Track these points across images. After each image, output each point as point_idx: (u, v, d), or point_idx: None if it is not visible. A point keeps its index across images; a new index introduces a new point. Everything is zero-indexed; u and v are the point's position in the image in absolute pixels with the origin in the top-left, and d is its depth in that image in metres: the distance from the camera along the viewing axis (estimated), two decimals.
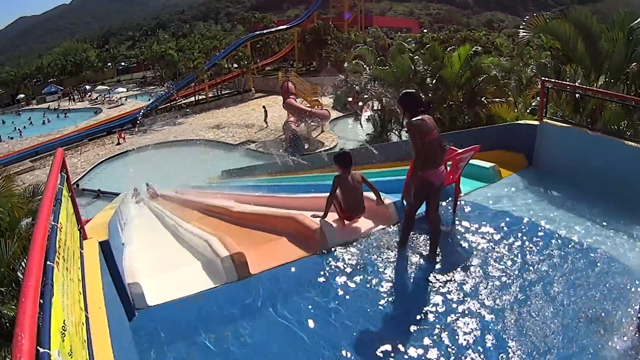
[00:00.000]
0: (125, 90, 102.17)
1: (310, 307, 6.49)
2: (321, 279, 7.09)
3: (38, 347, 2.53)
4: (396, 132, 30.06)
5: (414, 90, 7.78)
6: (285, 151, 43.02)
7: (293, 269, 7.46)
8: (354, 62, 33.70)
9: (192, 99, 77.58)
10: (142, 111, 70.23)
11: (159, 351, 5.77)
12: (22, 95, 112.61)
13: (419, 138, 7.01)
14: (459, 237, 8.25)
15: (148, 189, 37.58)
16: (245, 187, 20.36)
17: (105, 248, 5.96)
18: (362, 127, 35.42)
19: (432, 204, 7.56)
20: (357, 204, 8.71)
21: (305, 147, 46.57)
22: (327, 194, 8.55)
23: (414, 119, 7.11)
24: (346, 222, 8.83)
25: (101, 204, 32.50)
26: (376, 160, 16.11)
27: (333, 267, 7.39)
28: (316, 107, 52.79)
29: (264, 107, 61.43)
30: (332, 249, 7.92)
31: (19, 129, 76.54)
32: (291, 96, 52.83)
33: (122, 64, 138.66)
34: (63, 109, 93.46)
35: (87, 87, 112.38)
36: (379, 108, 28.79)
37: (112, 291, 5.85)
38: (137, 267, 7.52)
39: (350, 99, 41.25)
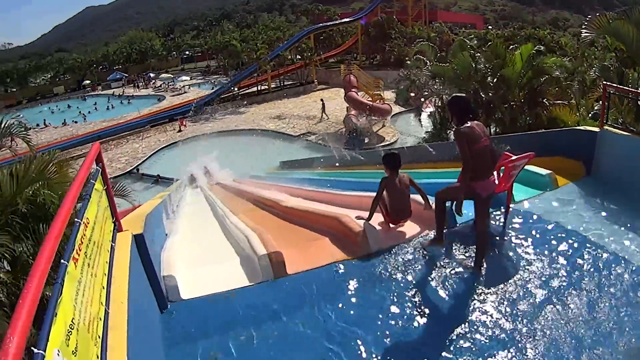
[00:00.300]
0: (188, 78, 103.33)
1: (344, 313, 6.29)
2: (359, 285, 6.89)
3: (32, 348, 2.52)
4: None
5: (464, 95, 7.58)
6: (345, 145, 43.02)
7: (332, 272, 7.27)
8: (414, 57, 33.26)
9: (255, 89, 77.38)
10: (202, 100, 71.17)
11: (187, 346, 5.78)
12: (87, 81, 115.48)
13: (466, 146, 6.70)
14: (507, 249, 7.76)
15: (205, 173, 38.10)
16: (300, 180, 19.94)
17: (140, 241, 5.99)
18: (421, 124, 34.78)
19: (480, 215, 7.24)
20: (403, 208, 8.47)
21: (365, 142, 46.01)
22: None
23: (462, 126, 6.81)
24: (391, 225, 8.61)
25: (158, 190, 32.99)
26: (433, 159, 15.77)
27: (372, 272, 7.18)
28: (378, 101, 52.02)
29: (321, 100, 60.89)
30: (375, 254, 7.69)
31: (83, 114, 78.88)
32: (353, 89, 52.30)
33: (187, 53, 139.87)
34: (127, 96, 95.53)
35: (152, 74, 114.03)
36: (439, 105, 28.25)
37: (144, 284, 5.95)
38: (175, 259, 7.54)
39: (412, 95, 40.67)
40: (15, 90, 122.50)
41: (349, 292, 6.76)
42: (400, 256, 7.60)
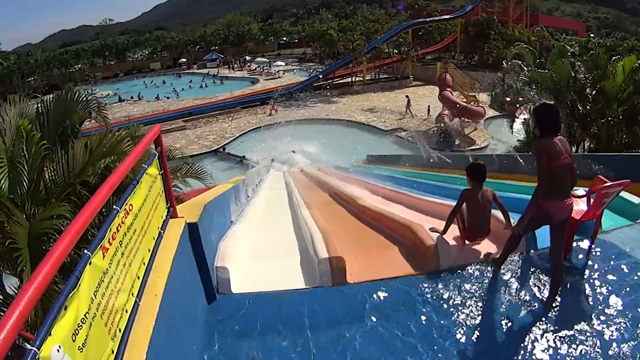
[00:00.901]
0: (284, 64, 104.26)
1: (397, 333, 5.72)
2: (421, 305, 6.23)
3: (25, 344, 2.38)
4: None
5: (554, 105, 6.76)
6: (435, 144, 42.24)
7: (394, 286, 6.59)
8: (511, 61, 31.97)
9: (349, 79, 77.04)
10: (294, 87, 71.38)
11: (226, 343, 5.53)
12: (183, 60, 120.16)
13: (545, 161, 6.04)
14: (587, 284, 6.67)
15: (291, 157, 38.18)
16: (383, 177, 19.49)
17: (193, 229, 5.85)
18: (512, 131, 33.43)
19: (555, 242, 6.40)
20: (482, 224, 7.67)
21: (456, 143, 44.96)
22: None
23: (543, 138, 6.18)
24: (467, 242, 7.88)
25: (241, 170, 33.09)
26: (522, 171, 14.81)
27: (438, 293, 6.49)
28: (472, 103, 50.79)
29: (406, 96, 59.91)
30: (444, 271, 7.00)
31: (176, 90, 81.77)
32: (447, 89, 51.12)
33: (284, 39, 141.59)
34: (221, 76, 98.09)
35: (248, 57, 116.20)
36: (526, 117, 27.10)
37: (193, 274, 5.84)
38: (234, 250, 7.34)
39: (508, 99, 39.62)
40: (113, 63, 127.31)
41: (408, 312, 6.15)
42: (470, 278, 6.92)
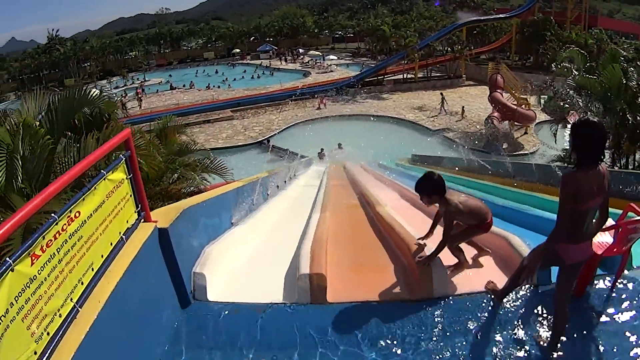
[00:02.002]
0: (336, 58, 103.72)
1: None
2: (399, 337, 5.51)
3: None
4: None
5: (599, 123, 5.06)
6: (483, 147, 41.54)
7: (378, 311, 5.93)
8: (561, 63, 30.48)
9: (401, 76, 76.42)
10: (345, 82, 71.58)
11: (191, 351, 5.36)
12: (237, 50, 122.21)
13: (569, 202, 4.86)
14: (600, 329, 5.59)
15: (334, 151, 38.12)
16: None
17: (163, 234, 5.75)
18: (555, 138, 31.93)
19: (561, 283, 5.31)
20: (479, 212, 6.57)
21: (504, 147, 43.45)
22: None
23: (577, 170, 4.88)
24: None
25: (283, 163, 32.94)
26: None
27: (423, 323, 5.69)
28: (523, 106, 49.66)
29: (441, 93, 59.80)
30: (437, 299, 6.09)
31: (225, 81, 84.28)
32: (498, 90, 50.42)
33: (339, 32, 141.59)
34: (273, 67, 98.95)
35: (301, 50, 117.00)
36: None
37: (162, 279, 5.78)
38: (219, 255, 7.13)
39: (561, 104, 38.39)
40: (168, 51, 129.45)
41: (384, 341, 5.50)
42: (463, 310, 5.95)
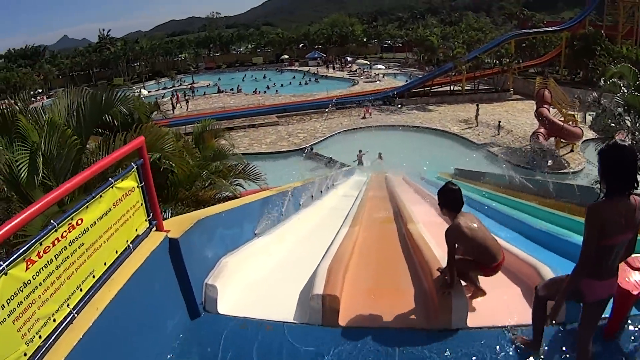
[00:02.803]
0: (384, 67, 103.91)
1: None
2: None
3: None
4: None
5: (629, 147, 4.47)
6: (527, 164, 41.17)
7: (390, 338, 5.60)
8: (610, 79, 29.21)
9: (448, 88, 75.95)
10: (392, 91, 71.51)
11: None
12: (285, 56, 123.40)
13: (594, 235, 4.47)
14: None
15: (376, 160, 38.16)
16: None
17: (174, 244, 5.73)
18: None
19: (584, 322, 4.91)
20: (490, 247, 5.97)
21: (548, 164, 42.22)
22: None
23: (606, 201, 4.51)
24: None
25: (326, 171, 32.87)
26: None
27: (437, 355, 5.31)
28: (570, 122, 48.80)
29: (477, 104, 59.89)
30: (455, 330, 5.70)
31: (274, 86, 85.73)
32: (545, 105, 49.51)
33: (387, 42, 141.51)
34: (321, 75, 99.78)
35: (349, 58, 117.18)
36: (631, 143, 24.71)
37: (170, 289, 5.78)
38: (236, 267, 7.08)
39: (610, 122, 37.47)
40: (217, 55, 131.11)
41: None
42: (483, 345, 5.49)
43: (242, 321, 5.99)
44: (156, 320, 5.39)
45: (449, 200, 6.05)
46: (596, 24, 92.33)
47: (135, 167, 5.31)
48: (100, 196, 4.64)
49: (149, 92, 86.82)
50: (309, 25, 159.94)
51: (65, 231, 4.13)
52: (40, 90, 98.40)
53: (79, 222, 4.33)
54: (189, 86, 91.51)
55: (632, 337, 5.45)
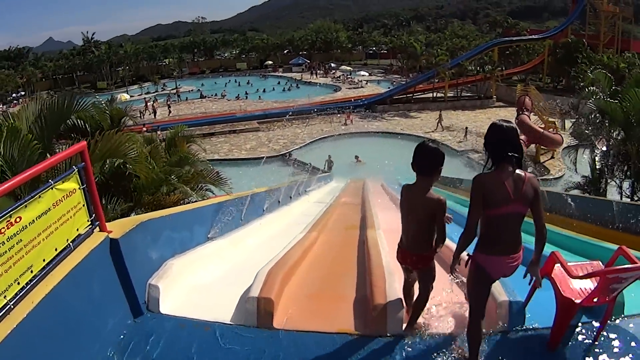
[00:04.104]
0: (367, 74, 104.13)
1: None
2: None
3: None
4: (617, 184, 23.75)
5: (509, 124, 4.99)
6: None
7: (322, 342, 5.56)
8: (588, 86, 29.21)
9: (430, 95, 76.24)
10: (374, 98, 72.38)
11: None
12: (270, 62, 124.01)
13: (479, 202, 4.77)
14: None
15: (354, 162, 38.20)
16: None
17: (115, 245, 5.84)
18: (575, 165, 30.26)
19: (473, 292, 5.12)
20: (411, 237, 5.62)
21: (528, 171, 41.55)
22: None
23: (486, 171, 4.91)
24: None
25: (301, 177, 32.84)
26: (572, 215, 13.36)
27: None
28: (551, 129, 48.82)
29: (440, 110, 61.72)
30: (391, 337, 5.57)
31: (256, 92, 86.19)
32: (526, 112, 49.46)
33: (372, 48, 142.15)
34: (304, 81, 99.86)
35: (333, 65, 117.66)
36: (604, 149, 24.58)
37: (109, 288, 5.80)
38: (182, 269, 7.10)
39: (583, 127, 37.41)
40: (201, 60, 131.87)
41: None
42: (418, 351, 5.36)
43: (182, 321, 6.03)
44: (96, 317, 5.45)
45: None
46: (579, 33, 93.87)
47: (76, 169, 5.49)
48: (40, 196, 4.82)
49: (131, 96, 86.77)
50: (293, 32, 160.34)
51: (4, 227, 4.30)
52: (23, 93, 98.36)
53: (17, 219, 4.48)
54: (173, 91, 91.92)
55: (576, 348, 5.36)
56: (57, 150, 11.78)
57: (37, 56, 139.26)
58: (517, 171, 4.89)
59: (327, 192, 25.03)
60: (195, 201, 14.83)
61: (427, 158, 5.38)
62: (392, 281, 6.44)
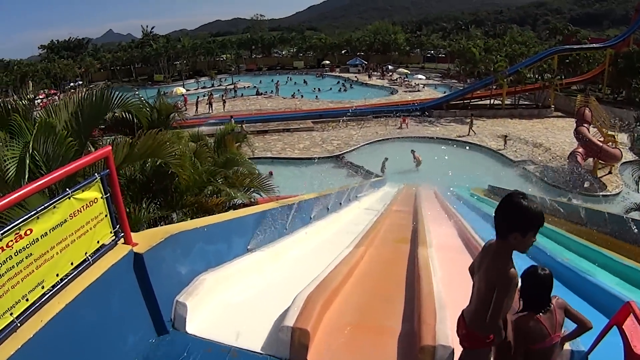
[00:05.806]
0: (425, 77, 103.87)
1: None
2: None
3: None
4: None
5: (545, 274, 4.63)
6: (564, 184, 40.11)
7: None
8: None
9: (487, 101, 75.23)
10: (431, 102, 71.87)
11: None
12: (327, 62, 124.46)
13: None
14: None
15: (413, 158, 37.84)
16: (487, 216, 16.53)
17: (139, 259, 5.53)
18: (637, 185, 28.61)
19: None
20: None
21: (585, 186, 41.64)
22: None
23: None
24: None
25: (356, 180, 32.48)
26: (637, 242, 12.48)
27: None
28: (610, 143, 47.10)
29: (471, 114, 61.40)
30: None
31: (313, 91, 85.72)
32: (585, 124, 48.70)
33: (430, 52, 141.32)
34: (361, 82, 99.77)
35: (390, 67, 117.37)
36: None
37: (132, 305, 5.54)
38: (215, 285, 6.73)
39: None
40: (259, 57, 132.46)
41: None
42: None
43: (208, 344, 5.69)
44: (116, 335, 5.21)
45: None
46: None
47: (98, 177, 5.17)
48: (55, 207, 4.54)
49: (187, 90, 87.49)
50: (352, 32, 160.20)
51: (12, 241, 4.08)
52: (80, 82, 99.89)
53: (28, 232, 4.25)
54: (231, 86, 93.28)
55: None
56: (100, 145, 11.86)
57: (96, 47, 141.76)
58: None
59: (378, 198, 24.56)
60: (241, 203, 14.73)
61: (499, 214, 4.08)
62: (443, 317, 5.86)
